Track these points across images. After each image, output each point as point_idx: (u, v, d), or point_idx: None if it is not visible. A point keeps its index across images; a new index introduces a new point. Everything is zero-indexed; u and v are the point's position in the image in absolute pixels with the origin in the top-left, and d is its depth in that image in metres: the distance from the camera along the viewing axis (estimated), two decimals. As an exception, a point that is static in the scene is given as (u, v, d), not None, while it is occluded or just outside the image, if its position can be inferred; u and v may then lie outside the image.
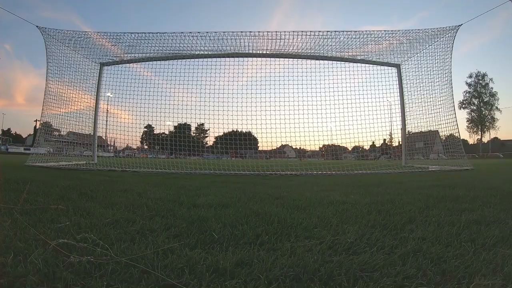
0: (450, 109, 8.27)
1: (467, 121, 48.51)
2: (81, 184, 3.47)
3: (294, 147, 13.70)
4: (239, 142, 9.20)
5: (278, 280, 0.94)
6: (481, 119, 46.82)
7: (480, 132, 48.10)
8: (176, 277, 0.94)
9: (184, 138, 9.63)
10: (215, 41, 7.53)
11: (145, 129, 12.07)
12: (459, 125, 8.42)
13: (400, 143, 9.86)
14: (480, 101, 47.44)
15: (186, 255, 1.12)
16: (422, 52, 8.52)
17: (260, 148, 14.66)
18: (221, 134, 10.07)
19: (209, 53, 8.26)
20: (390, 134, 10.45)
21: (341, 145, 9.66)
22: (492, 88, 46.77)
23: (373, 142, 10.72)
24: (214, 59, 8.52)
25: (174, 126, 10.29)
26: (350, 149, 13.90)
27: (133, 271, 0.97)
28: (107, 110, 9.51)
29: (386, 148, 12.13)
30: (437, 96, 8.43)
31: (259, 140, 10.61)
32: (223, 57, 8.39)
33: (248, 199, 2.55)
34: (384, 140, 11.26)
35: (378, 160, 11.97)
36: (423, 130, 9.12)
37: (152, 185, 3.60)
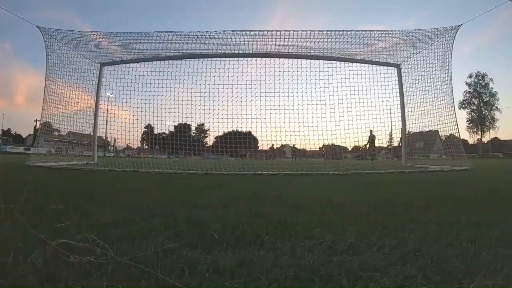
0: (450, 109, 8.28)
1: (467, 121, 48.52)
2: (81, 184, 3.47)
3: (293, 147, 13.68)
4: (239, 142, 9.19)
5: (278, 280, 0.94)
6: (481, 119, 46.77)
7: (480, 132, 48.08)
8: (176, 277, 0.94)
9: (185, 138, 9.62)
10: (215, 40, 7.50)
11: (145, 129, 12.06)
12: (459, 125, 8.44)
13: (400, 143, 9.85)
14: (480, 101, 47.41)
15: (186, 255, 1.12)
16: (422, 52, 8.51)
17: (260, 148, 14.65)
18: (221, 134, 10.07)
19: (209, 52, 8.25)
20: (390, 134, 10.44)
21: (341, 145, 9.67)
22: (492, 88, 46.80)
23: (373, 141, 10.66)
24: (214, 59, 8.51)
25: (174, 126, 10.29)
26: (350, 149, 13.89)
27: (133, 271, 0.97)
28: (107, 110, 9.52)
29: (386, 147, 12.11)
30: (437, 96, 8.44)
31: (259, 140, 10.62)
32: (223, 57, 8.38)
33: (248, 199, 2.55)
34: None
35: (377, 158, 11.93)
36: (423, 130, 9.12)
37: (152, 185, 3.60)
